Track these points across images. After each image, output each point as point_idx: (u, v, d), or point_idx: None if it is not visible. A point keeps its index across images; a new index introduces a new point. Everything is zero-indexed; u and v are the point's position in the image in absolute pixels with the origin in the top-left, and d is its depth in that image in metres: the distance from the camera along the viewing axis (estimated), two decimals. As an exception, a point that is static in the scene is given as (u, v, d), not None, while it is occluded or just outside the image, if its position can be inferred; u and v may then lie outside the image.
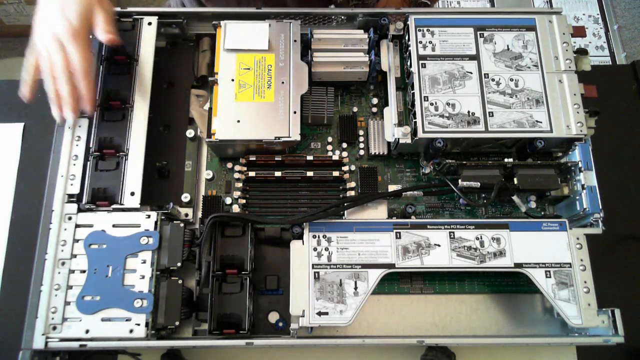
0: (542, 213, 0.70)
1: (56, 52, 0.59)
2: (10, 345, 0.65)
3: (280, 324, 0.64)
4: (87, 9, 0.61)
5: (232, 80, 0.67)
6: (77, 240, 0.60)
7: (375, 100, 0.75)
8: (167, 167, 0.69)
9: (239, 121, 0.65)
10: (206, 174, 0.70)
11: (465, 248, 0.62)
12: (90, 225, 0.61)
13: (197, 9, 0.73)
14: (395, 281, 0.67)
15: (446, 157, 0.67)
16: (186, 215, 0.68)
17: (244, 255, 0.62)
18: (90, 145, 0.64)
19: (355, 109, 0.74)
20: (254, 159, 0.67)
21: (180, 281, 0.61)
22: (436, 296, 0.67)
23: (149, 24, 0.70)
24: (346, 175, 0.68)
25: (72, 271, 0.59)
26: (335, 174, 0.67)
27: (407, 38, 0.70)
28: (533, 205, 0.70)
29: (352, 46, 0.71)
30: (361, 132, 0.73)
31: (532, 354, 0.67)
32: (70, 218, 0.61)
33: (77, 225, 0.61)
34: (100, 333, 0.57)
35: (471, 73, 0.67)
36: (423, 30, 0.69)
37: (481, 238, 0.62)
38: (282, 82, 0.67)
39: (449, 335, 0.65)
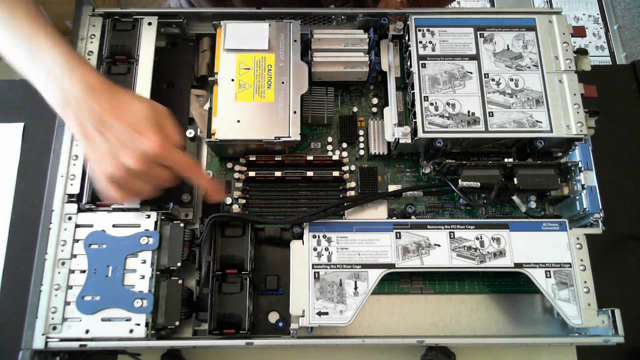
0: (542, 213, 0.70)
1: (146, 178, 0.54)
2: (10, 345, 0.65)
3: (280, 324, 0.64)
4: (155, 116, 0.55)
5: (232, 80, 0.67)
6: (77, 240, 0.60)
7: (375, 100, 0.75)
8: (167, 167, 0.69)
9: (239, 121, 0.65)
10: (206, 174, 0.70)
11: (465, 248, 0.62)
12: (90, 225, 0.61)
13: (197, 9, 0.73)
14: (395, 281, 0.67)
15: (446, 157, 0.67)
16: (186, 215, 0.68)
17: (244, 255, 0.62)
18: (90, 145, 0.64)
19: (355, 109, 0.74)
20: (254, 159, 0.67)
21: (180, 281, 0.61)
22: (436, 296, 0.67)
23: (149, 24, 0.70)
24: (346, 175, 0.68)
25: (72, 271, 0.59)
26: (335, 174, 0.67)
27: (407, 38, 0.70)
28: (533, 205, 0.70)
29: (352, 46, 0.71)
30: (361, 132, 0.73)
31: (532, 354, 0.67)
32: (70, 218, 0.61)
33: (77, 225, 0.61)
34: (100, 333, 0.57)
35: (471, 73, 0.67)
36: (423, 30, 0.69)
37: (481, 238, 0.62)
38: (282, 82, 0.67)
39: (449, 335, 0.65)
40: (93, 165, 0.55)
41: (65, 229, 0.61)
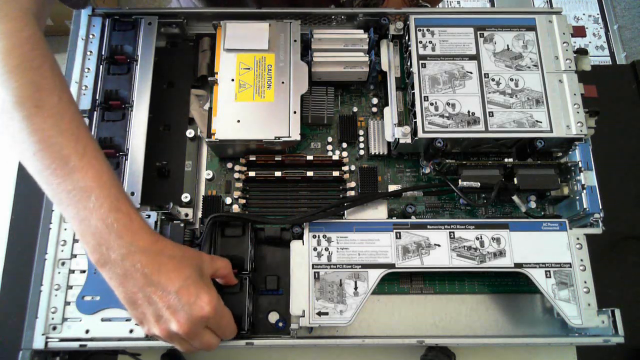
0: (542, 213, 0.70)
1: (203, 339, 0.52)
2: (10, 345, 0.65)
3: (280, 324, 0.64)
4: (202, 267, 0.54)
5: (232, 80, 0.67)
6: (77, 240, 0.60)
7: (375, 100, 0.75)
8: (167, 167, 0.69)
9: (239, 121, 0.65)
10: (206, 174, 0.70)
11: (465, 248, 0.62)
12: (90, 225, 0.61)
13: (197, 9, 0.73)
14: (395, 281, 0.67)
15: (446, 157, 0.67)
16: (186, 215, 0.68)
17: (244, 255, 0.62)
18: (90, 145, 0.64)
19: (355, 109, 0.74)
20: (254, 159, 0.67)
21: (180, 281, 0.61)
22: (436, 296, 0.67)
23: (149, 24, 0.70)
24: (346, 175, 0.68)
25: (72, 271, 0.59)
26: (335, 174, 0.67)
27: (407, 38, 0.70)
28: (533, 205, 0.70)
29: (352, 46, 0.71)
30: (361, 132, 0.73)
31: (532, 354, 0.67)
32: (70, 218, 0.61)
33: (77, 225, 0.61)
34: (100, 333, 0.57)
35: (471, 73, 0.67)
36: (423, 30, 0.69)
37: (481, 238, 0.62)
38: (282, 82, 0.67)
39: (449, 335, 0.65)
40: (139, 324, 0.52)
41: (65, 229, 0.61)
